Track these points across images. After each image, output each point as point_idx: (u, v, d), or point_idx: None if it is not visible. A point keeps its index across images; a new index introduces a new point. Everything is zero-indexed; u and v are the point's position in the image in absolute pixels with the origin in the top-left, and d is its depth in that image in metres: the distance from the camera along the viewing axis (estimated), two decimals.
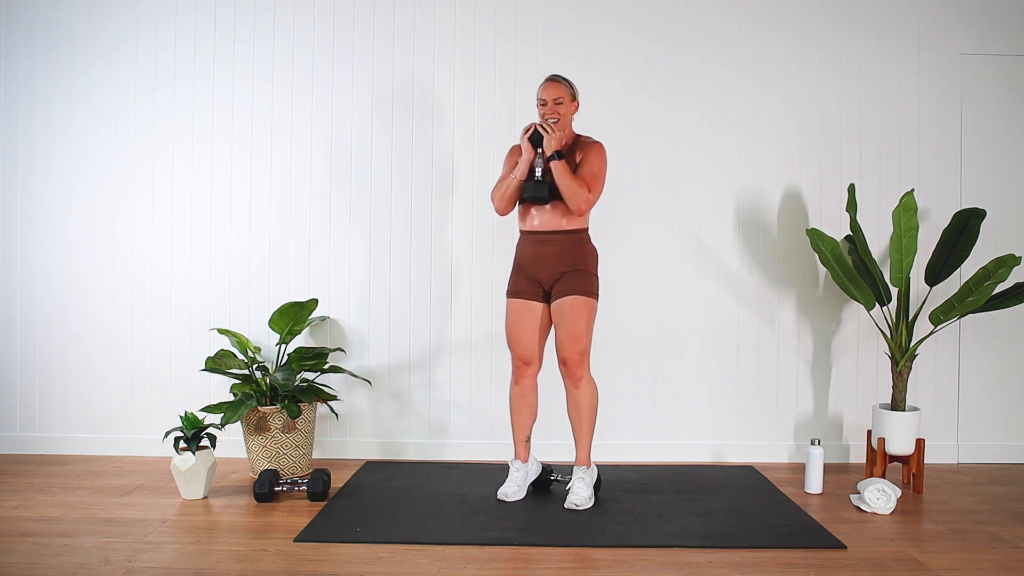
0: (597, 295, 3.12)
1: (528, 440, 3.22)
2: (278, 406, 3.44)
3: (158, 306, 3.88)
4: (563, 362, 3.08)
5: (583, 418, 3.10)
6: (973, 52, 3.86)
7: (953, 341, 3.87)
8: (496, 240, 3.83)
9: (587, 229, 3.15)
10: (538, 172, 3.04)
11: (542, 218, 3.09)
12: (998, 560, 2.60)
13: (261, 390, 3.51)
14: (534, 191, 3.03)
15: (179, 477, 3.15)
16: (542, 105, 3.10)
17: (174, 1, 3.86)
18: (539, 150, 3.04)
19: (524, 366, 3.16)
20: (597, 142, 3.15)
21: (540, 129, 3.01)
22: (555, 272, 3.08)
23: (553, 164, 2.99)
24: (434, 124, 3.85)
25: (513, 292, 3.17)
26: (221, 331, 3.63)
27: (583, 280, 3.07)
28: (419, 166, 3.86)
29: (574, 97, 3.14)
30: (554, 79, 3.13)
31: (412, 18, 3.85)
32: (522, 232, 3.18)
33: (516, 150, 3.21)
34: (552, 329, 3.15)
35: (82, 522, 2.87)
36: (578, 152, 3.11)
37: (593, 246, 3.17)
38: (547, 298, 3.13)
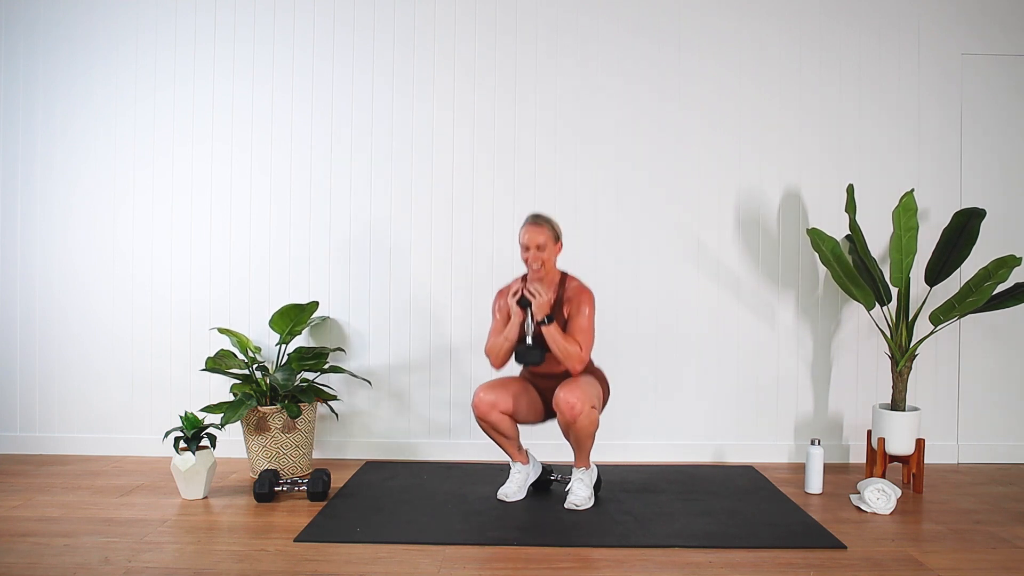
0: (605, 390, 3.16)
1: (521, 447, 3.21)
2: (278, 406, 3.44)
3: (158, 306, 3.88)
4: (561, 401, 2.92)
5: (582, 443, 3.04)
6: (973, 52, 3.86)
7: (953, 341, 3.87)
8: (496, 239, 3.83)
9: (591, 361, 3.17)
10: (528, 338, 3.04)
11: (543, 365, 3.12)
12: (998, 560, 2.60)
13: (261, 390, 3.51)
14: (526, 357, 3.05)
15: (179, 477, 3.15)
16: (525, 250, 3.05)
17: (174, 1, 3.86)
18: (528, 310, 3.03)
19: (481, 404, 3.03)
20: (585, 291, 3.09)
21: (528, 294, 2.99)
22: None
23: (544, 330, 2.98)
24: (434, 124, 3.85)
25: (520, 374, 3.22)
26: (221, 331, 3.63)
27: (592, 376, 3.12)
28: (419, 166, 3.86)
29: (557, 238, 3.08)
30: (536, 222, 3.04)
31: (412, 18, 3.85)
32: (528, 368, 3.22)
33: (503, 293, 3.19)
34: (525, 410, 3.12)
35: (82, 522, 2.87)
36: (566, 304, 3.09)
37: (599, 369, 3.23)
38: (547, 407, 3.19)
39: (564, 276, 3.15)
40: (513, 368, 3.28)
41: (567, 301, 3.09)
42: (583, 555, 2.60)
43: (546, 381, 3.16)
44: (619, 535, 2.76)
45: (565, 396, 2.90)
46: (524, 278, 3.14)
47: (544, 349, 3.04)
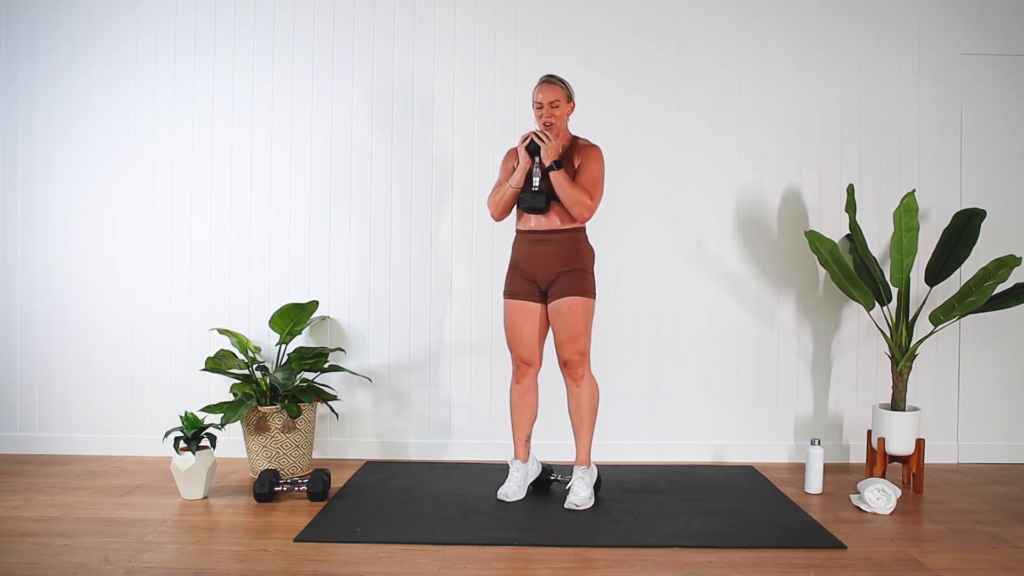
0: (594, 294, 3.12)
1: (528, 440, 3.22)
2: (278, 406, 3.44)
3: (158, 306, 3.88)
4: (564, 363, 3.09)
5: (584, 416, 3.10)
6: (973, 52, 3.86)
7: (953, 341, 3.87)
8: (495, 240, 3.83)
9: (584, 228, 3.14)
10: (535, 182, 3.03)
11: (539, 219, 3.09)
12: (998, 560, 2.60)
13: (261, 390, 3.51)
14: (531, 202, 3.02)
15: (179, 477, 3.15)
16: (538, 108, 3.07)
17: (174, 1, 3.86)
18: (536, 159, 3.02)
19: (525, 366, 3.16)
20: (594, 146, 3.13)
21: (537, 139, 2.99)
22: (552, 272, 3.07)
23: (552, 175, 2.98)
24: (434, 124, 3.85)
25: (510, 293, 3.16)
26: (221, 331, 3.63)
27: (580, 279, 3.06)
28: (419, 165, 3.86)
29: (570, 98, 3.12)
30: (549, 80, 3.09)
31: (412, 18, 3.85)
32: (518, 231, 3.17)
33: (513, 154, 3.19)
34: (551, 329, 3.15)
35: (82, 522, 2.87)
36: (575, 157, 3.09)
37: (590, 245, 3.17)
38: (544, 298, 3.13)
39: (575, 138, 3.17)
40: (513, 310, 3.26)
41: (577, 154, 3.10)
42: (583, 555, 2.60)
43: (540, 246, 3.08)
44: (619, 535, 2.76)
45: (567, 356, 3.06)
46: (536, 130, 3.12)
47: (550, 196, 3.02)
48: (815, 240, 3.46)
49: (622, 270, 3.84)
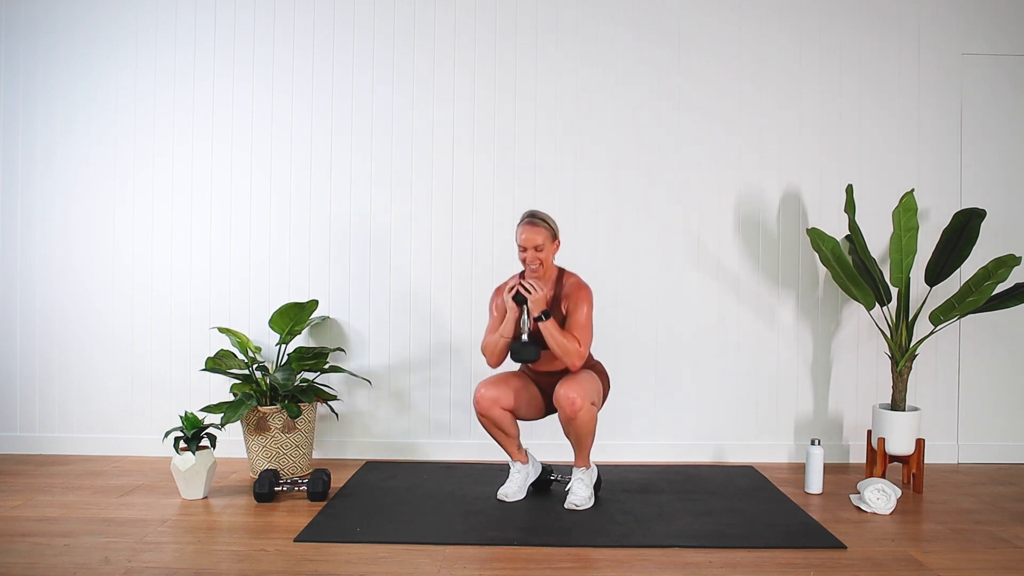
0: (605, 385, 3.15)
1: (521, 446, 3.21)
2: (278, 406, 3.44)
3: (158, 306, 3.88)
4: (562, 396, 2.92)
5: (582, 440, 3.03)
6: (973, 52, 3.86)
7: (953, 341, 3.87)
8: (496, 239, 3.83)
9: (590, 355, 3.15)
10: (524, 334, 3.01)
11: (542, 363, 3.11)
12: (998, 560, 2.60)
13: (261, 390, 3.51)
14: (522, 354, 3.01)
15: (179, 477, 3.15)
16: (522, 251, 3.02)
17: (174, 1, 3.86)
18: (524, 307, 3.00)
19: (483, 399, 3.02)
20: (583, 287, 3.06)
21: (522, 290, 2.97)
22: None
23: (542, 326, 2.96)
24: (434, 124, 3.85)
25: (519, 370, 3.21)
26: (222, 330, 3.63)
27: (592, 371, 3.11)
28: (419, 165, 3.86)
29: (555, 237, 3.05)
30: (532, 222, 3.01)
31: (412, 18, 3.85)
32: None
33: (499, 292, 3.16)
34: (525, 404, 3.12)
35: (82, 522, 2.87)
36: (563, 300, 3.07)
37: (599, 362, 3.21)
38: (548, 402, 3.17)
39: (561, 272, 3.13)
40: (511, 365, 3.28)
41: (565, 297, 3.07)
42: (583, 555, 2.60)
43: (546, 378, 3.15)
44: (619, 535, 2.76)
45: (566, 392, 2.90)
46: (521, 275, 3.12)
47: (540, 346, 3.02)
48: (816, 238, 3.46)
49: (622, 269, 3.84)
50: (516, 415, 3.09)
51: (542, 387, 3.17)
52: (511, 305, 3.01)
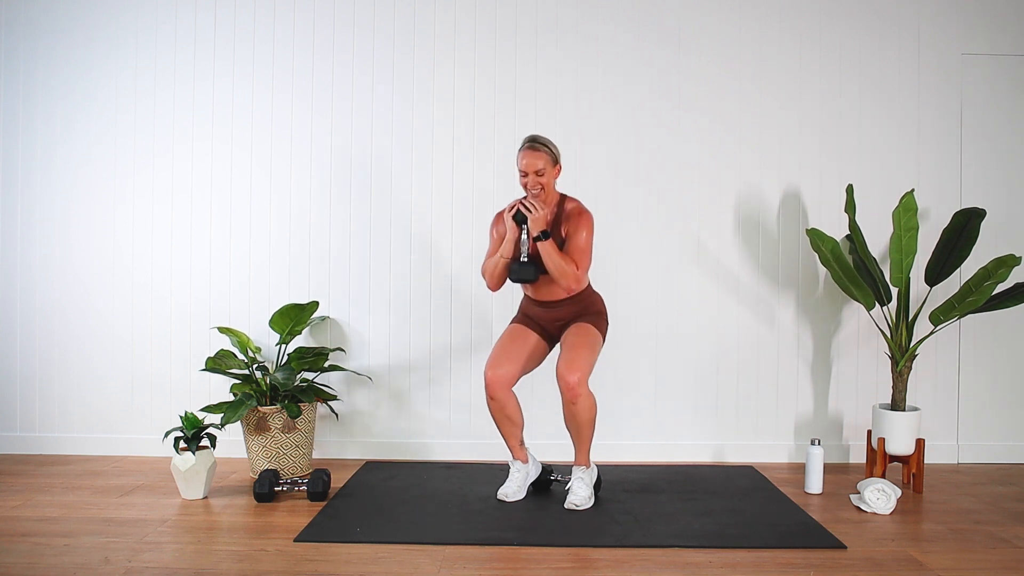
0: (604, 332, 3.14)
1: (523, 443, 3.21)
2: (278, 406, 3.44)
3: (158, 306, 3.88)
4: (562, 379, 2.95)
5: (582, 430, 3.04)
6: (973, 52, 3.86)
7: (953, 341, 3.87)
8: None
9: (589, 285, 3.16)
10: (523, 254, 3.02)
11: (541, 290, 3.11)
12: (998, 560, 2.60)
13: (261, 390, 3.51)
14: (520, 273, 3.02)
15: (179, 477, 3.15)
16: (523, 175, 3.02)
17: (174, 1, 3.86)
18: (524, 227, 3.00)
19: (494, 382, 3.04)
20: (584, 212, 3.07)
21: (524, 209, 2.98)
22: (563, 324, 3.13)
23: (540, 246, 2.96)
24: (434, 124, 3.85)
25: (516, 320, 3.22)
26: (222, 330, 3.63)
27: (592, 317, 3.11)
28: (419, 165, 3.86)
29: (556, 161, 3.05)
30: (533, 147, 3.01)
31: (412, 18, 3.85)
32: (525, 296, 3.22)
33: (500, 218, 3.17)
34: (534, 363, 3.16)
35: (82, 522, 2.87)
36: (564, 223, 3.07)
37: (598, 295, 3.21)
38: (550, 340, 3.18)
39: (563, 198, 3.13)
40: (508, 322, 3.27)
41: (565, 221, 3.07)
42: (583, 555, 2.60)
43: (546, 311, 3.13)
44: (619, 535, 2.76)
45: (566, 376, 2.91)
46: (523, 198, 3.09)
47: (539, 266, 3.02)
48: (816, 238, 3.46)
49: (622, 269, 3.84)
50: (526, 372, 3.13)
51: (543, 325, 3.16)
52: (511, 225, 3.02)
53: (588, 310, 3.14)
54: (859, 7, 3.86)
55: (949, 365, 3.88)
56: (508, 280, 3.11)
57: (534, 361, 3.17)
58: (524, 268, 3.02)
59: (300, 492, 3.26)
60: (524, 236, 3.02)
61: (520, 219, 3.00)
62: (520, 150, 3.04)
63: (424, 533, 2.77)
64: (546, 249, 2.96)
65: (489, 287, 3.14)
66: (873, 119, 3.87)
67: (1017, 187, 3.88)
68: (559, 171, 3.09)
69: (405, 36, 3.85)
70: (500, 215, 3.19)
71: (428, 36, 3.84)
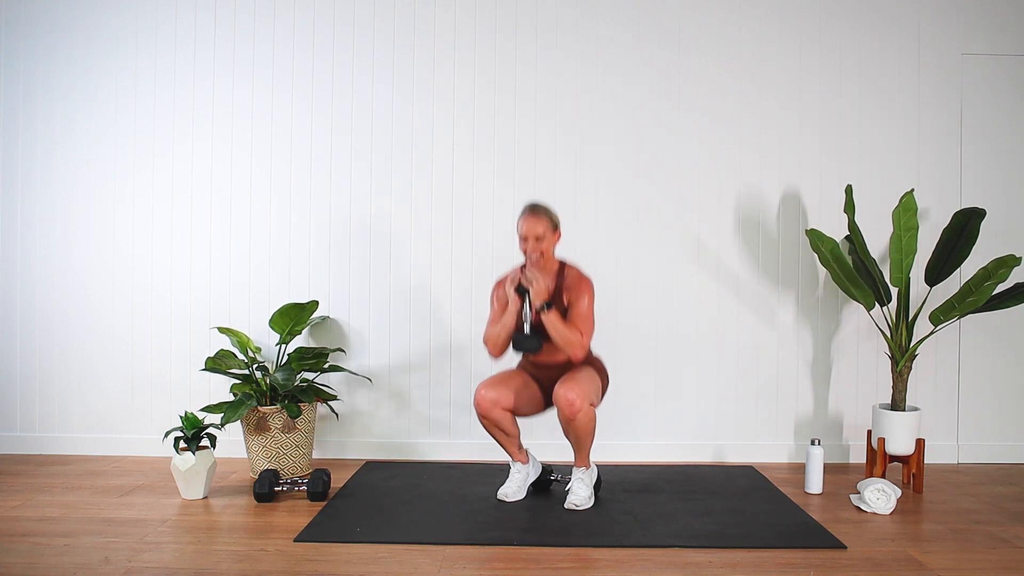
0: (604, 381, 3.15)
1: (521, 446, 3.21)
2: (278, 406, 3.44)
3: (158, 306, 3.88)
4: (561, 397, 2.90)
5: (581, 440, 3.03)
6: (973, 52, 3.86)
7: (953, 341, 3.87)
8: (496, 239, 3.83)
9: (590, 350, 3.16)
10: (526, 326, 3.02)
11: (542, 355, 3.12)
12: (998, 560, 2.60)
13: (261, 390, 3.51)
14: (524, 345, 3.03)
15: (179, 477, 3.15)
16: (523, 241, 3.04)
17: (174, 1, 3.86)
18: (526, 298, 3.00)
19: (483, 402, 3.01)
20: (584, 279, 3.08)
21: (524, 281, 2.98)
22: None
23: (544, 317, 2.96)
24: (434, 124, 3.85)
25: (520, 367, 3.22)
26: (222, 330, 3.63)
27: (591, 367, 3.12)
28: (419, 165, 3.86)
29: (555, 227, 3.07)
30: (534, 213, 3.03)
31: (412, 18, 3.85)
32: (526, 358, 3.22)
33: (501, 285, 3.18)
34: (527, 406, 3.12)
35: (82, 522, 2.87)
36: (565, 291, 3.08)
37: (598, 358, 3.21)
38: (546, 396, 3.17)
39: (562, 265, 3.15)
40: (512, 359, 3.28)
41: (566, 289, 3.08)
42: (583, 555, 2.60)
43: (547, 371, 3.15)
44: (619, 535, 2.76)
45: (564, 393, 2.90)
46: (523, 267, 3.12)
47: (542, 337, 3.02)
48: (816, 238, 3.46)
49: (622, 269, 3.84)
50: (516, 414, 3.09)
51: (541, 381, 3.17)
52: (513, 297, 3.02)
53: (590, 365, 3.16)
54: (859, 7, 3.86)
55: (949, 365, 3.88)
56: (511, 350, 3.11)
57: (527, 402, 3.09)
58: (528, 339, 3.02)
59: (300, 492, 3.26)
60: (526, 308, 3.01)
61: (522, 291, 3.01)
62: (521, 216, 3.06)
63: (424, 533, 2.77)
64: (550, 320, 2.96)
65: (491, 355, 3.13)
66: (873, 119, 3.87)
67: (1017, 187, 3.88)
68: (559, 237, 3.10)
69: (405, 36, 3.85)
70: (500, 283, 3.19)
71: (428, 36, 3.85)
